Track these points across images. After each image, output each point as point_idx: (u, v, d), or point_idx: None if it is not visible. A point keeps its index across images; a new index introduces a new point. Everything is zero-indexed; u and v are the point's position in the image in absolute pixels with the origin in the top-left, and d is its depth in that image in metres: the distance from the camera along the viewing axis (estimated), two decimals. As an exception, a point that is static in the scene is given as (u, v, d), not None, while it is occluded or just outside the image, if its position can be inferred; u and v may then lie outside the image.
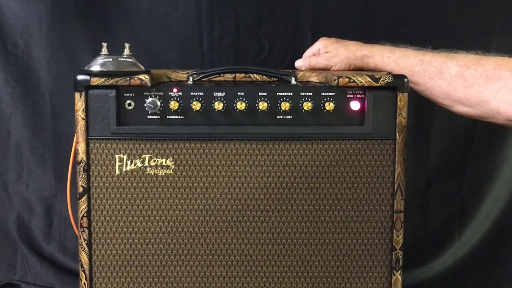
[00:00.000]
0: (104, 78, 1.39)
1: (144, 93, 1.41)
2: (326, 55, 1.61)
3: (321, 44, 1.65)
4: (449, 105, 1.48)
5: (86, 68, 1.41)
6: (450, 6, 1.92)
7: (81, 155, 1.41)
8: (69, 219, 1.58)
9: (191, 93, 1.41)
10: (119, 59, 1.41)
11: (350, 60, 1.57)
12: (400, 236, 1.44)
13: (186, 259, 1.46)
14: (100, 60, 1.41)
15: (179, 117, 1.42)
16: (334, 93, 1.41)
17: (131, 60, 1.42)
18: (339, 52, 1.59)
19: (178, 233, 1.45)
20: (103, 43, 1.43)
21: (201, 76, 1.48)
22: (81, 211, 1.43)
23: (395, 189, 1.43)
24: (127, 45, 1.44)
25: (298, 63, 1.65)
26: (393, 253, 1.45)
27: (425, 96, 1.50)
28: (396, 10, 1.91)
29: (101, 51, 1.42)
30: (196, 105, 1.40)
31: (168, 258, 1.46)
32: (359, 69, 1.58)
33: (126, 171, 1.42)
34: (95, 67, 1.40)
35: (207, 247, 1.45)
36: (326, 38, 1.66)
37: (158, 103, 1.40)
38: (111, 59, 1.41)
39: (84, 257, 1.44)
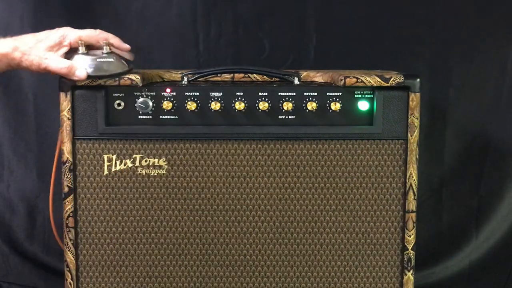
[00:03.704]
0: (90, 80, 1.35)
1: (135, 93, 1.38)
2: None
3: None
4: None
5: None
6: (450, 5, 1.91)
7: (67, 155, 1.39)
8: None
9: (186, 93, 1.39)
10: (98, 59, 1.35)
11: None
12: (412, 236, 1.44)
13: (174, 259, 1.44)
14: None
15: (173, 117, 1.40)
16: (340, 93, 1.40)
17: (111, 59, 1.36)
18: None
19: (168, 233, 1.43)
20: (79, 41, 1.36)
21: (197, 76, 1.46)
22: (67, 211, 1.40)
23: (407, 189, 1.42)
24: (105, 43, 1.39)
25: None
26: (405, 253, 1.44)
27: None
28: (402, 10, 1.89)
29: (78, 50, 1.36)
30: (191, 105, 1.38)
31: (156, 259, 1.44)
32: None
33: (115, 171, 1.40)
34: None
35: (203, 247, 1.44)
36: None
37: (150, 103, 1.38)
38: (90, 61, 1.34)
39: (70, 257, 1.42)
